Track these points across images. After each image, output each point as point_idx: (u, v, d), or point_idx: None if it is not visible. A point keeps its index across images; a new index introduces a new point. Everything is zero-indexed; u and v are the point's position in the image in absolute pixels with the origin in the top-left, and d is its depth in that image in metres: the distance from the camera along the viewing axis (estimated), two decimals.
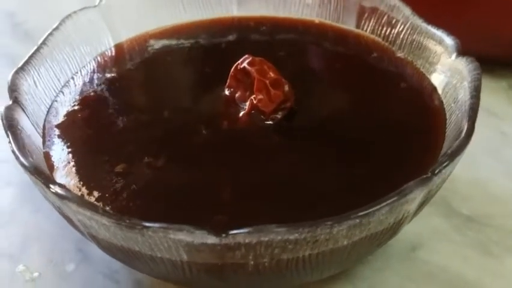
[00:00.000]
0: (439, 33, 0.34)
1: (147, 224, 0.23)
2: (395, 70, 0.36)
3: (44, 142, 0.31)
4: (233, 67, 0.33)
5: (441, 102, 0.32)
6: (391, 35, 0.37)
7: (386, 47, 0.37)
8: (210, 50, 0.38)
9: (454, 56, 0.32)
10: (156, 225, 0.23)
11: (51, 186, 0.24)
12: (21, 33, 0.53)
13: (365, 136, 0.31)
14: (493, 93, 0.43)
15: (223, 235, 0.22)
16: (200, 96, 0.34)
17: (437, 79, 0.34)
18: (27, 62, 0.33)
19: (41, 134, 0.32)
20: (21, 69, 0.32)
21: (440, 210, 0.35)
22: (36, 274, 0.33)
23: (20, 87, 0.31)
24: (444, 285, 0.31)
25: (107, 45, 0.38)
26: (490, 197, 0.36)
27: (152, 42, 0.38)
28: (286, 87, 0.32)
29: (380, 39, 0.38)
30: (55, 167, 0.30)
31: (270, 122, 0.32)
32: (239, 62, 0.33)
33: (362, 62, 0.37)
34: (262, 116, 0.32)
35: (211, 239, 0.22)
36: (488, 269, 0.32)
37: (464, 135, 0.27)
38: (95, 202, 0.27)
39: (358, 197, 0.25)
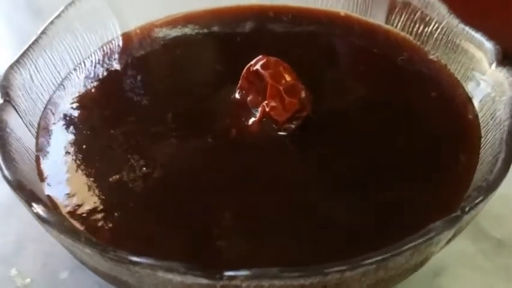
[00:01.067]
0: (478, 36, 0.30)
1: (134, 260, 0.20)
2: (426, 74, 0.32)
3: (37, 144, 0.29)
4: (245, 68, 0.30)
5: (477, 116, 0.29)
6: (424, 34, 0.33)
7: (418, 47, 0.34)
8: (223, 42, 0.35)
9: (494, 64, 0.29)
10: (144, 261, 0.20)
11: (33, 205, 0.22)
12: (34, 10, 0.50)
13: (389, 153, 0.28)
14: None
15: (218, 276, 0.20)
16: (209, 97, 0.31)
17: (474, 89, 0.30)
18: (23, 55, 0.30)
19: (35, 135, 0.29)
20: (17, 62, 0.30)
21: (468, 231, 0.32)
22: (28, 280, 0.31)
23: (13, 83, 0.29)
24: None
25: (114, 34, 0.35)
26: None
27: (159, 32, 0.35)
28: (303, 94, 0.29)
29: (411, 38, 0.34)
30: (46, 173, 0.27)
31: (283, 133, 0.29)
32: (252, 63, 0.30)
33: (390, 63, 0.33)
34: (274, 126, 0.29)
35: (205, 281, 0.20)
36: None
37: (501, 165, 0.23)
38: (84, 217, 0.25)
39: (378, 230, 0.22)
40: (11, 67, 0.29)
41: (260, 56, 0.30)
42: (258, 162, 0.27)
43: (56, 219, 0.22)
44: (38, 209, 0.22)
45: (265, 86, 0.29)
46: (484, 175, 0.24)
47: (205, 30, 0.35)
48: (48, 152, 0.29)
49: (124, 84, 0.33)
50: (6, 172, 0.23)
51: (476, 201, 0.22)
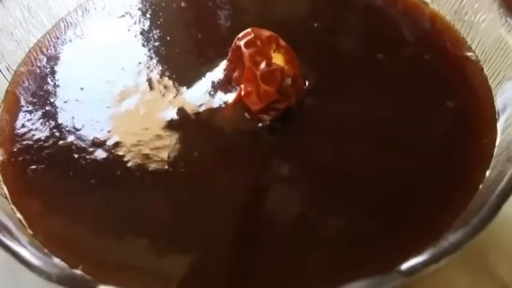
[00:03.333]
0: None
1: None
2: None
3: None
4: (234, 41, 0.26)
5: (494, 141, 0.24)
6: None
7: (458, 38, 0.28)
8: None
9: None
10: None
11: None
12: None
13: (384, 165, 0.24)
14: None
15: None
16: (196, 65, 0.28)
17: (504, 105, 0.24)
18: None
19: None
20: None
21: (469, 263, 0.27)
22: None
23: None
24: None
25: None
26: None
27: None
28: (288, 81, 0.25)
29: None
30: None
31: (254, 124, 0.25)
32: (240, 35, 0.26)
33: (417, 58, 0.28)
34: (246, 114, 0.25)
35: None
36: None
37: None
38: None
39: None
40: None
41: (249, 30, 0.26)
42: (220, 154, 0.24)
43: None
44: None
45: (244, 61, 0.25)
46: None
47: None
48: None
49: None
50: None
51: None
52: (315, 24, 0.29)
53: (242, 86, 0.25)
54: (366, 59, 0.28)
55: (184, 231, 0.22)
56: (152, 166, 0.24)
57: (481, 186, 0.22)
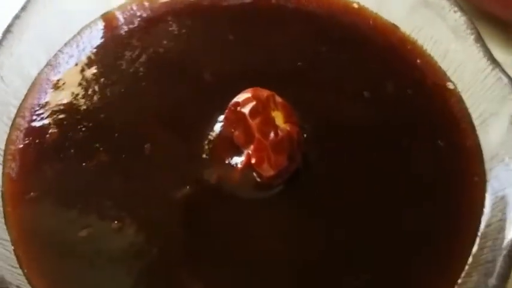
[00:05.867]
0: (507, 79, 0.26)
1: None
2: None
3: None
4: (232, 102, 0.26)
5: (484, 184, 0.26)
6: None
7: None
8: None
9: None
10: None
11: None
12: None
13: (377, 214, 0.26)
14: None
15: None
16: (190, 126, 0.28)
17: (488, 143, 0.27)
18: None
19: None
20: None
21: None
22: None
23: None
24: None
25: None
26: None
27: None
28: (294, 144, 0.26)
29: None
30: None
31: (266, 189, 0.26)
32: (240, 101, 0.26)
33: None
34: (258, 179, 0.26)
35: None
36: None
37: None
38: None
39: None
40: None
41: (248, 95, 0.26)
42: (235, 219, 0.25)
43: None
44: None
45: (252, 132, 0.26)
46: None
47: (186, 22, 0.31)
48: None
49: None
50: None
51: None
52: (299, 63, 0.30)
53: (250, 152, 0.26)
54: (354, 97, 0.29)
55: None
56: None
57: None
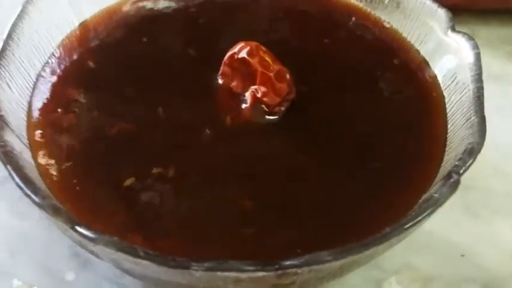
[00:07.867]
0: (430, 3, 0.33)
1: (196, 265, 0.22)
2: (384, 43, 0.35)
3: (34, 156, 0.28)
4: (228, 55, 0.31)
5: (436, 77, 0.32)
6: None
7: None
8: (189, 20, 0.35)
9: (449, 30, 0.32)
10: (206, 264, 0.22)
11: (78, 229, 0.22)
12: None
13: (356, 130, 0.30)
14: None
15: (277, 267, 0.22)
16: (190, 86, 0.32)
17: (430, 53, 0.33)
18: None
19: (28, 146, 0.29)
20: None
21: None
22: None
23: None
24: None
25: (72, 26, 0.34)
26: None
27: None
28: (288, 76, 0.31)
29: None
30: (52, 187, 0.27)
31: (275, 117, 0.30)
32: (235, 50, 0.31)
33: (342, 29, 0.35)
34: (265, 109, 0.30)
35: (264, 273, 0.22)
36: None
37: (477, 130, 0.27)
38: (114, 228, 0.26)
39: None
40: None
41: (242, 44, 0.31)
42: (261, 149, 0.29)
43: (108, 238, 0.22)
44: (85, 231, 0.22)
45: (252, 72, 0.30)
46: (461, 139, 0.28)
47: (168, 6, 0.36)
48: (47, 165, 0.28)
49: (95, 81, 0.32)
50: (37, 199, 0.23)
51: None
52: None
53: (254, 88, 0.30)
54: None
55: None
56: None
57: None
